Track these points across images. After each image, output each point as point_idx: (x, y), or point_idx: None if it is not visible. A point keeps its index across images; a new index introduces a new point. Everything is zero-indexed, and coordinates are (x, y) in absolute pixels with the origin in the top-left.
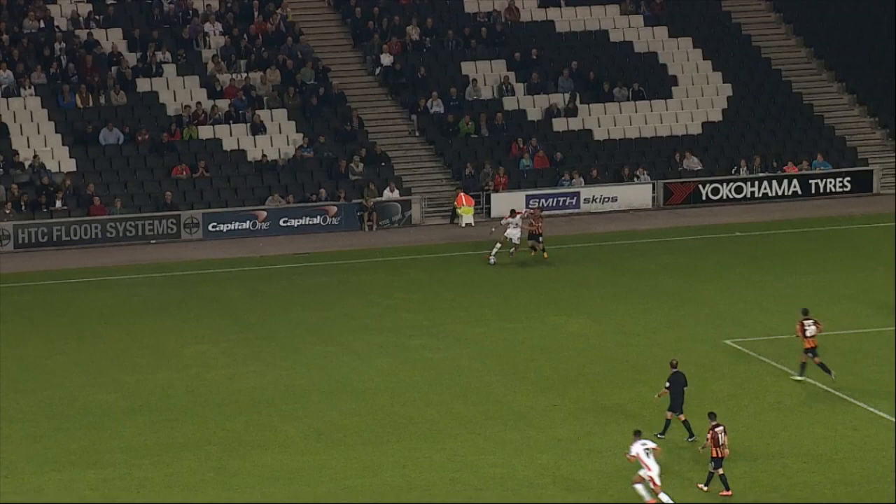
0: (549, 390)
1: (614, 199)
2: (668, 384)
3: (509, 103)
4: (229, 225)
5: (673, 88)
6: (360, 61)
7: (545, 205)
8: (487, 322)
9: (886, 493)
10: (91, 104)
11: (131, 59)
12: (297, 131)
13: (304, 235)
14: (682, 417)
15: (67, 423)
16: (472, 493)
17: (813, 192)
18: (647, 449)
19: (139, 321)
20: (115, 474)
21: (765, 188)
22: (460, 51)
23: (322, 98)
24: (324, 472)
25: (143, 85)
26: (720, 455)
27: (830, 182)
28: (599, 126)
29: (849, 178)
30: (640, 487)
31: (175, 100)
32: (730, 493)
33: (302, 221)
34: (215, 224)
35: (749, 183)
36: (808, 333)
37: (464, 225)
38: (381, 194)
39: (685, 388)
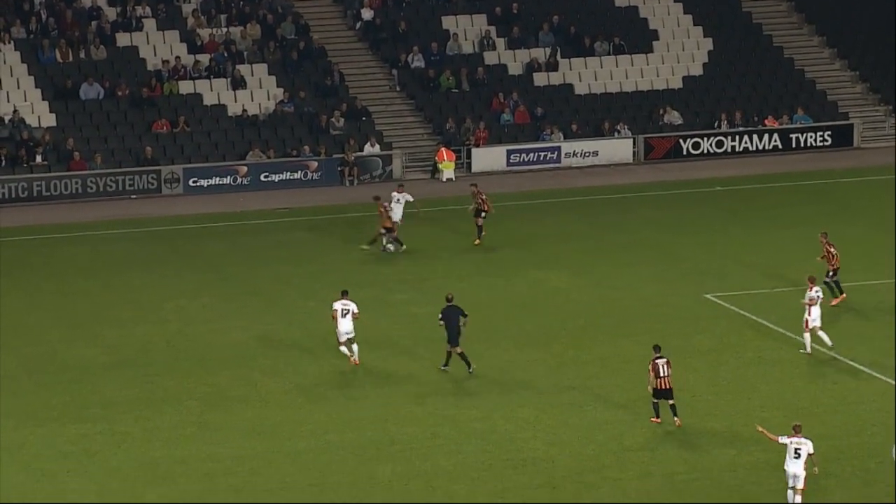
0: (531, 345)
1: (595, 154)
2: (441, 318)
3: (490, 58)
4: (210, 180)
5: (654, 43)
6: (340, 16)
7: (526, 159)
8: (469, 277)
9: (866, 446)
10: (71, 59)
11: (111, 13)
12: (278, 86)
13: (284, 190)
14: (459, 350)
15: (48, 378)
16: (453, 448)
17: (794, 146)
18: None
19: (120, 276)
20: (96, 429)
21: (745, 142)
22: (441, 5)
23: (302, 53)
24: (305, 426)
25: (123, 39)
26: (660, 386)
27: (811, 136)
28: (580, 81)
29: (829, 133)
30: None
31: (155, 55)
32: (658, 420)
33: (283, 176)
34: (196, 179)
35: (730, 137)
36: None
37: (444, 180)
38: (361, 149)
39: (461, 321)
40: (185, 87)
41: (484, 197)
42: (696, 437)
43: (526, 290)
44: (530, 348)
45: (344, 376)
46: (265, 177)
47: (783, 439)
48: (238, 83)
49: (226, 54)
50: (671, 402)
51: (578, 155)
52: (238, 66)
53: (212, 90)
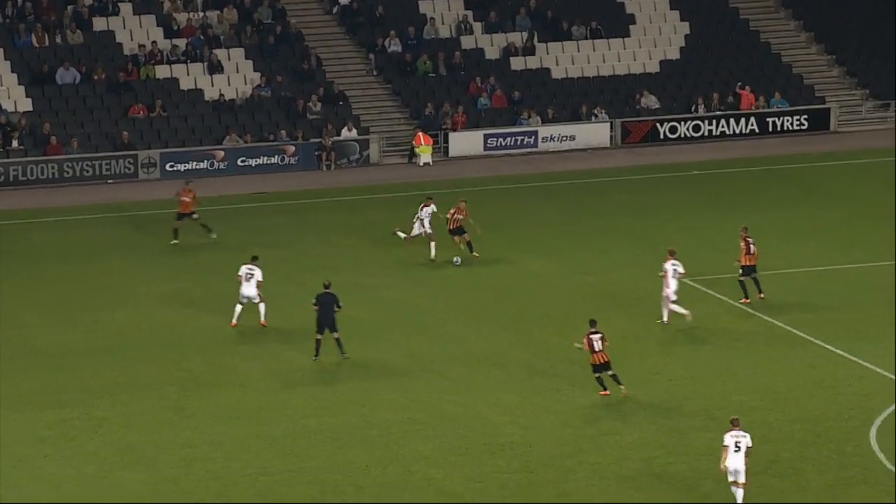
0: (509, 330)
1: (572, 138)
2: (315, 303)
3: (467, 42)
4: (187, 164)
5: (631, 27)
6: (317, 0)
7: (503, 144)
8: (446, 262)
9: (843, 429)
10: (47, 43)
11: None
12: (255, 70)
13: (261, 175)
14: (336, 335)
15: (25, 363)
16: (430, 432)
17: (770, 130)
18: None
19: (97, 261)
20: (73, 414)
21: (722, 126)
22: None
23: (279, 37)
24: (282, 411)
25: (99, 24)
26: (597, 361)
27: (788, 120)
28: (557, 65)
29: (806, 116)
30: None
31: (132, 39)
32: (607, 392)
33: (259, 161)
34: (172, 164)
35: (706, 121)
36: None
37: (422, 164)
38: (338, 134)
39: (336, 309)
40: (162, 71)
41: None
42: (674, 421)
43: (504, 274)
44: (508, 333)
45: (321, 361)
46: (242, 161)
47: (725, 439)
48: (215, 68)
49: (202, 39)
50: (611, 373)
51: (555, 139)
52: (215, 51)
53: (188, 75)
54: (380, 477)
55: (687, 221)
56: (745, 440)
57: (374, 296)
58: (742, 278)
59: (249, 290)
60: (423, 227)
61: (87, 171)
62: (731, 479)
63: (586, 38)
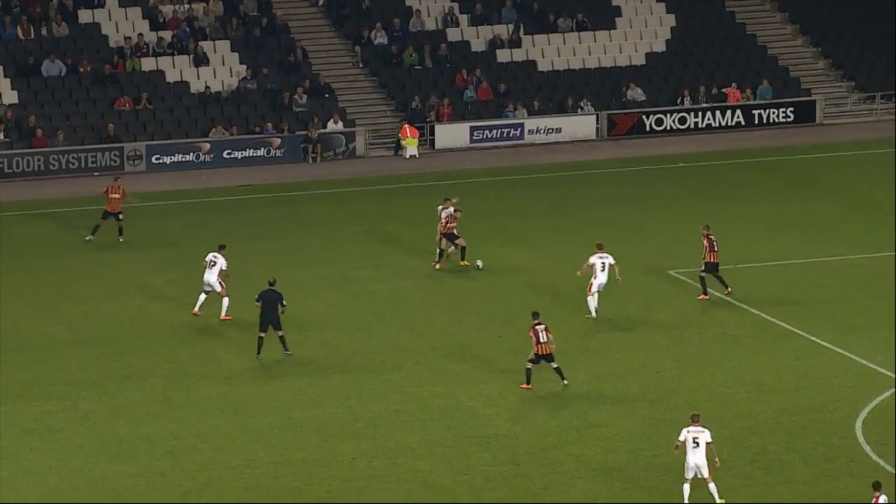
0: (494, 322)
1: (558, 131)
2: (258, 300)
3: (453, 34)
4: (173, 157)
5: (617, 19)
6: None
7: (489, 136)
8: (432, 253)
9: (829, 421)
10: (33, 36)
11: None
12: (241, 63)
13: (247, 167)
14: (280, 333)
15: (11, 355)
16: (416, 424)
17: (756, 122)
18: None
19: (83, 253)
20: (60, 406)
21: (708, 119)
22: None
23: (265, 29)
24: (268, 403)
25: (84, 16)
26: (541, 352)
27: (774, 112)
28: (543, 57)
29: (792, 109)
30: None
31: (117, 31)
32: (529, 386)
33: (246, 153)
34: (158, 156)
35: (693, 113)
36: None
37: (408, 157)
38: (324, 126)
39: (280, 306)
40: (148, 63)
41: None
42: (660, 413)
43: (490, 266)
44: (494, 325)
45: (307, 353)
46: (228, 154)
47: (682, 435)
48: (201, 60)
49: (188, 31)
50: (554, 365)
51: (541, 131)
52: (200, 43)
53: (174, 67)
54: (366, 469)
55: (673, 213)
56: (704, 436)
57: (360, 288)
58: (703, 274)
59: (210, 276)
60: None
61: (73, 164)
62: (688, 475)
63: (572, 31)
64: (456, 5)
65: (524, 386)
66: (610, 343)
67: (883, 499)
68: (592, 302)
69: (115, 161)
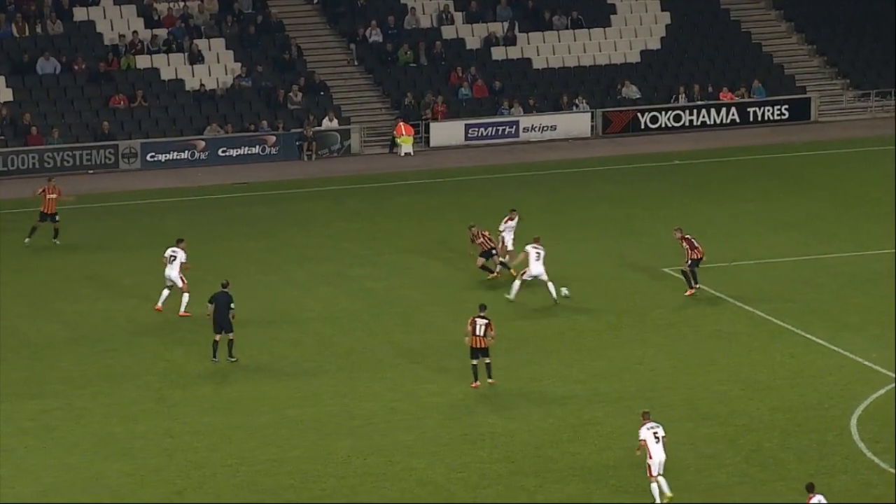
0: (491, 320)
1: (553, 128)
2: (210, 302)
3: (448, 32)
4: (168, 155)
5: (611, 17)
6: None
7: (484, 134)
8: (428, 251)
9: (823, 419)
10: (27, 33)
11: None
12: (236, 60)
13: (243, 165)
14: (230, 336)
15: (7, 354)
16: (412, 422)
17: (751, 120)
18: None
19: (78, 252)
20: (55, 405)
21: (703, 116)
22: None
23: (260, 27)
24: (264, 401)
25: (79, 14)
26: (476, 345)
27: (769, 110)
28: (538, 55)
29: (787, 106)
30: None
31: (112, 29)
32: (477, 384)
33: (241, 151)
34: (153, 154)
35: (687, 111)
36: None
37: (403, 154)
38: (319, 124)
39: (231, 308)
40: (143, 61)
41: (486, 233)
42: (655, 411)
43: (485, 265)
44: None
45: (303, 351)
46: (223, 151)
47: (642, 433)
48: (195, 58)
49: (183, 28)
50: (487, 360)
51: (536, 129)
52: (195, 41)
53: (169, 65)
54: (361, 467)
55: (668, 211)
56: (660, 430)
57: (356, 286)
58: (686, 269)
59: (171, 271)
60: (505, 242)
61: (68, 162)
62: (655, 471)
63: (567, 28)
64: (451, 3)
65: (473, 384)
66: (605, 341)
67: (816, 499)
68: (516, 286)
69: (109, 159)
